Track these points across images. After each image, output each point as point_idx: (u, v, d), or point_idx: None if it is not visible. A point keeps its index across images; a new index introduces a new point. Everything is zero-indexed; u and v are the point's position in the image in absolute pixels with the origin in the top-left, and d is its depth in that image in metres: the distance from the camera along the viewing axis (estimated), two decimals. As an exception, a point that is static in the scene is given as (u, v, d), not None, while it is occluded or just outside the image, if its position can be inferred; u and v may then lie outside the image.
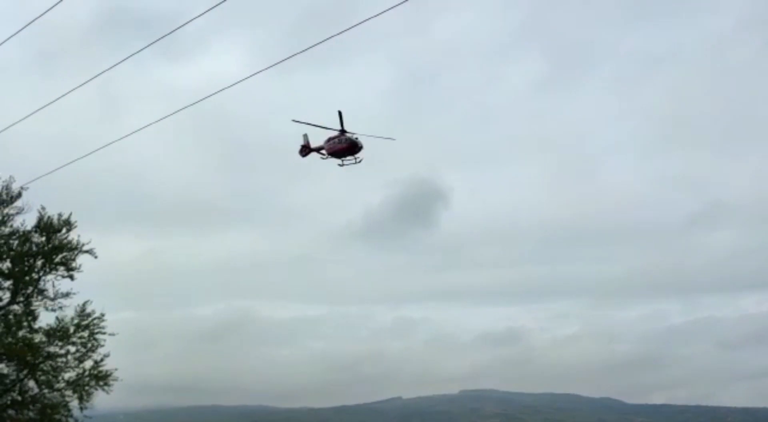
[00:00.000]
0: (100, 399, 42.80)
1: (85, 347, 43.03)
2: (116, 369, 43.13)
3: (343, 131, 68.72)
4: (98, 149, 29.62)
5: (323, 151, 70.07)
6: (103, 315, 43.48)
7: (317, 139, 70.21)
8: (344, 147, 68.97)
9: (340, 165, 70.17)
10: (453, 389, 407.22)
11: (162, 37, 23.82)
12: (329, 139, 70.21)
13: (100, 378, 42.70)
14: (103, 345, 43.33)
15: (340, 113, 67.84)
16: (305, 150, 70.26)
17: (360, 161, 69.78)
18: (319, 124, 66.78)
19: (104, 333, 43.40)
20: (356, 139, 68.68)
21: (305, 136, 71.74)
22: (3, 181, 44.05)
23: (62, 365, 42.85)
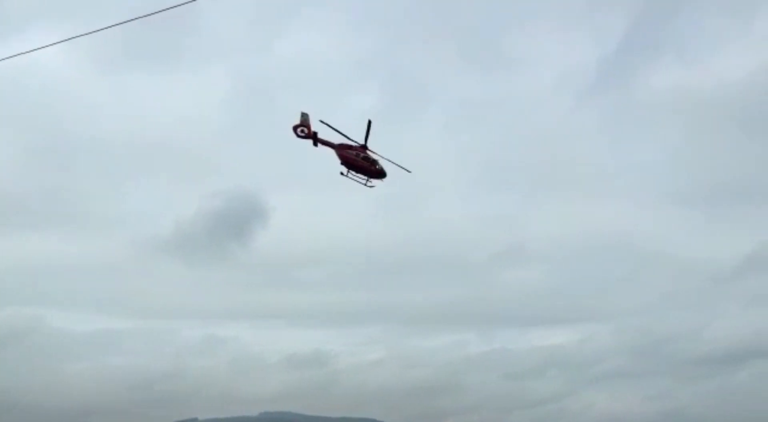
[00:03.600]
0: None
1: None
2: None
3: (365, 146, 68.78)
4: None
5: (339, 156, 69.07)
6: None
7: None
8: (371, 169, 68.06)
9: (343, 174, 70.33)
10: (253, 411, 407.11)
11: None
12: (348, 147, 69.51)
13: None
14: None
15: (369, 123, 67.47)
16: (307, 133, 67.31)
17: (372, 187, 69.47)
18: (344, 133, 67.29)
19: None
20: (381, 168, 68.61)
21: (305, 115, 67.60)
22: None
23: None
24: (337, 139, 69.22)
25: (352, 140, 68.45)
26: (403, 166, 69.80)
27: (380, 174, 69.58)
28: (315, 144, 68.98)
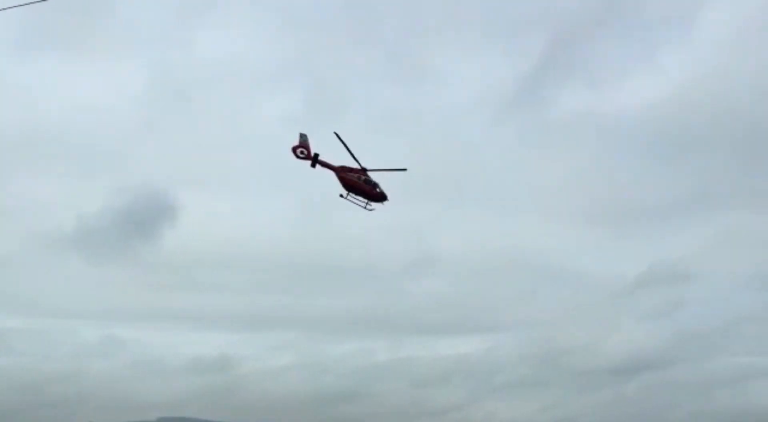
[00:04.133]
0: None
1: None
2: None
3: (364, 169, 67.09)
4: None
5: (340, 178, 67.35)
6: None
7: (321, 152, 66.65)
8: (372, 192, 66.44)
9: (342, 196, 68.63)
10: (150, 416, 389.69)
11: None
12: (350, 170, 67.79)
13: None
14: None
15: (337, 136, 64.47)
16: (306, 155, 65.76)
17: (372, 210, 67.62)
18: (352, 152, 65.18)
19: None
20: (382, 191, 66.55)
21: (303, 136, 66.50)
22: None
23: None
24: (339, 159, 67.40)
25: (356, 160, 66.37)
26: (398, 168, 67.22)
27: (381, 197, 67.58)
28: (313, 165, 67.32)
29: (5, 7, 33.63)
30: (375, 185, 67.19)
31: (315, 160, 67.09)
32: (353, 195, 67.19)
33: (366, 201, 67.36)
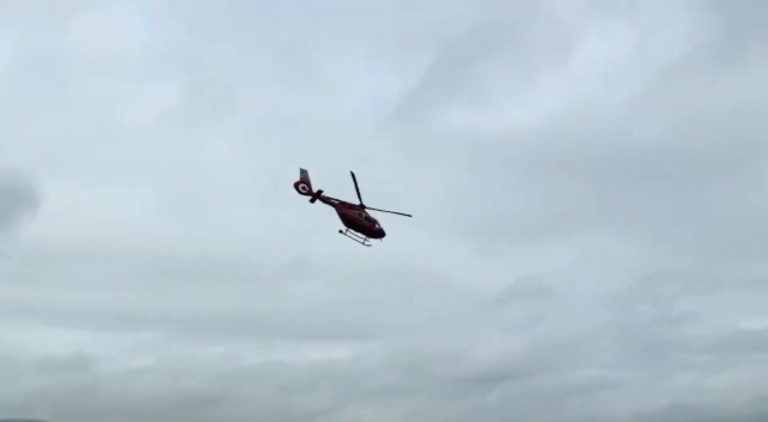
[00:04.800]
0: None
1: None
2: None
3: (362, 205, 68.99)
4: None
5: (340, 215, 69.02)
6: None
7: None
8: (372, 229, 68.40)
9: (342, 232, 70.14)
10: None
11: None
12: (350, 207, 69.30)
13: None
14: None
15: (352, 175, 66.91)
16: (308, 191, 67.58)
17: (370, 246, 69.71)
18: (359, 191, 66.94)
19: None
20: (381, 228, 68.79)
21: (304, 172, 68.22)
22: None
23: None
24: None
25: (360, 198, 68.50)
26: (403, 212, 69.87)
27: (380, 234, 69.93)
28: (312, 201, 68.94)
29: None
30: (374, 222, 69.29)
31: (316, 196, 68.52)
32: (352, 231, 69.07)
33: (364, 237, 69.44)
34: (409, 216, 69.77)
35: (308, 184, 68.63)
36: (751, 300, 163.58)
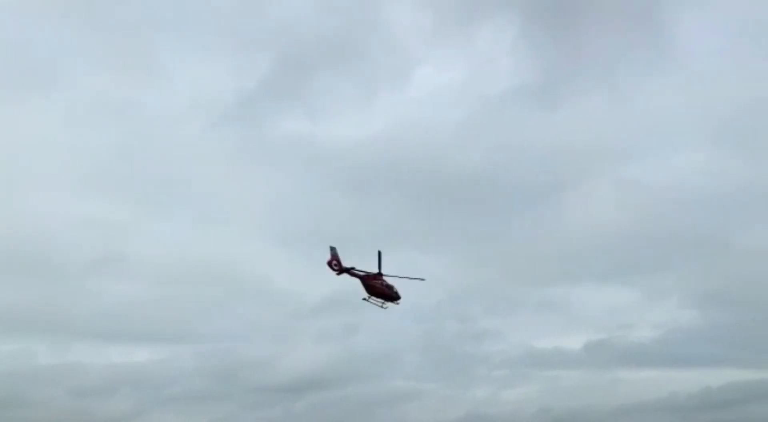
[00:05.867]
0: None
1: None
2: None
3: (380, 273, 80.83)
4: None
5: (366, 286, 79.64)
6: None
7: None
8: (390, 295, 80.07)
9: (365, 299, 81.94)
10: None
11: None
12: (374, 278, 79.52)
13: None
14: None
15: (379, 254, 79.45)
16: (338, 267, 77.88)
17: (386, 308, 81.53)
18: (381, 265, 78.99)
19: None
20: (397, 292, 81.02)
21: (333, 249, 78.27)
22: None
23: None
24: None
25: (380, 269, 79.64)
26: (417, 277, 79.22)
27: (396, 297, 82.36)
28: (339, 274, 79.13)
29: None
30: (392, 288, 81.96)
31: (345, 271, 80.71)
32: (374, 298, 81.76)
33: (382, 301, 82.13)
34: (423, 279, 79.65)
35: (338, 260, 78.83)
36: (543, 321, 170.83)
